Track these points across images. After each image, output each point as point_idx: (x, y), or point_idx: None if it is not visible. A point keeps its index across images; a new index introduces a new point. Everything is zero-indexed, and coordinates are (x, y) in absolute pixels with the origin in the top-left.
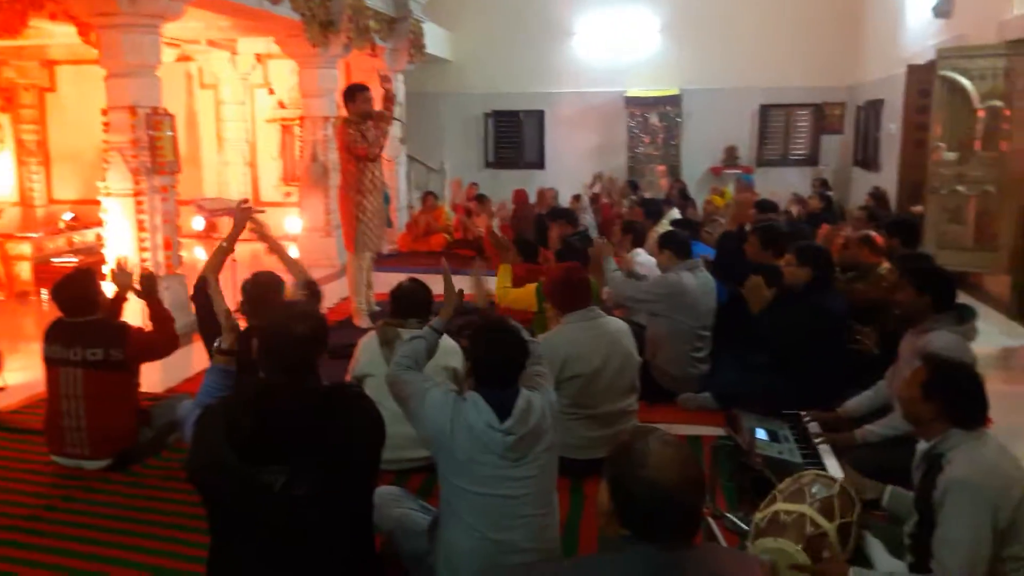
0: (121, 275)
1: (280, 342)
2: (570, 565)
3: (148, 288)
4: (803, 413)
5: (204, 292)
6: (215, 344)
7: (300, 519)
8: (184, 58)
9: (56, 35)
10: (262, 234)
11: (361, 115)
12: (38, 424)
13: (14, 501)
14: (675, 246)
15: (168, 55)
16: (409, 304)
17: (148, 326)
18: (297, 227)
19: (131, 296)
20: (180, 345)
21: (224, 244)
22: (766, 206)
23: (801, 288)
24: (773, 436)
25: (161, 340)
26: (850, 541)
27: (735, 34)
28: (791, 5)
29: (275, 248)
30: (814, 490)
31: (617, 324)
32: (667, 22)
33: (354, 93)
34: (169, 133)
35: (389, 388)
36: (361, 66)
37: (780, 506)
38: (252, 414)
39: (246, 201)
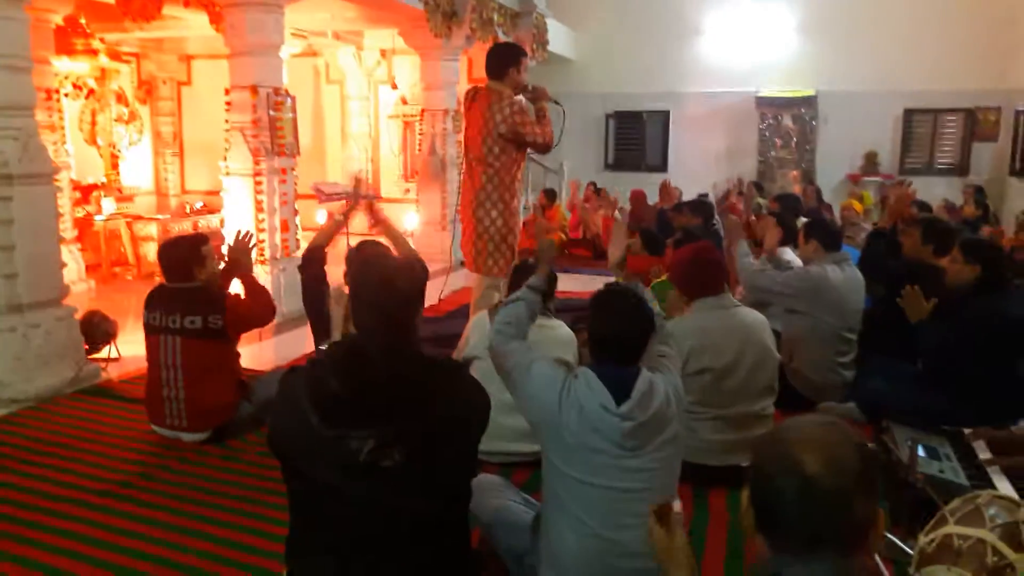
0: (237, 248)
1: (378, 295)
2: None
3: (242, 257)
4: (966, 430)
5: (312, 261)
6: (322, 347)
7: (387, 497)
8: (311, 53)
9: (192, 26)
10: (371, 209)
11: (518, 89)
12: (143, 394)
13: (112, 467)
14: (823, 236)
15: (295, 46)
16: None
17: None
18: (414, 223)
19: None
20: (275, 314)
21: (339, 216)
22: (922, 208)
23: (967, 290)
24: (932, 453)
25: (259, 308)
26: None
27: (877, 33)
28: (939, 3)
29: (382, 223)
30: (992, 512)
31: (754, 316)
32: (803, 20)
33: (518, 56)
34: (290, 115)
35: (492, 359)
36: (483, 60)
37: (952, 529)
38: (340, 371)
39: (360, 175)
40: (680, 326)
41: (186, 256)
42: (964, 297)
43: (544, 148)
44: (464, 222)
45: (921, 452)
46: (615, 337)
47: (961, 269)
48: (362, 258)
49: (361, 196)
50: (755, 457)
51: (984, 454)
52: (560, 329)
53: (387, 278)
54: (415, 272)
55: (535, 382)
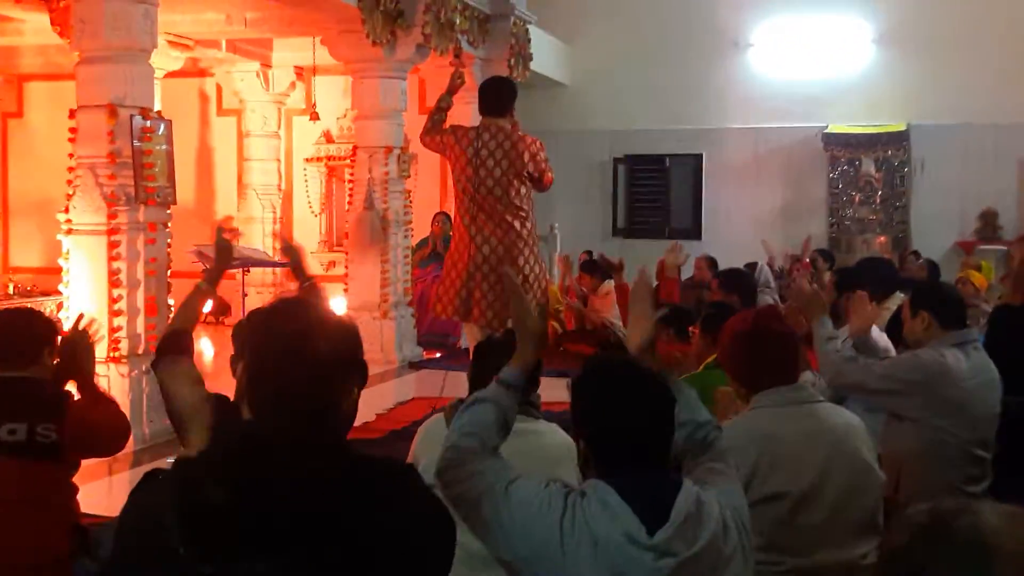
0: (75, 340)
1: (287, 361)
2: None
3: (79, 350)
4: None
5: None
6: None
7: None
8: (197, 72)
9: (25, 31)
10: (297, 265)
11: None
12: None
13: None
14: (940, 307)
15: (174, 60)
16: (500, 367)
17: None
18: (341, 308)
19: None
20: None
21: (202, 284)
22: None
23: None
24: None
25: (110, 423)
26: None
27: (988, 48)
28: None
29: (309, 291)
30: None
31: (844, 417)
32: (886, 30)
33: (516, 91)
34: (164, 147)
35: (444, 489)
36: (441, 82)
37: None
38: (225, 474)
39: (229, 221)
40: (736, 431)
41: (35, 330)
42: None
43: (546, 189)
44: (478, 275)
45: None
46: (634, 428)
47: None
48: (265, 316)
49: (226, 251)
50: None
51: None
52: (551, 435)
53: (302, 336)
54: (343, 331)
55: (518, 510)
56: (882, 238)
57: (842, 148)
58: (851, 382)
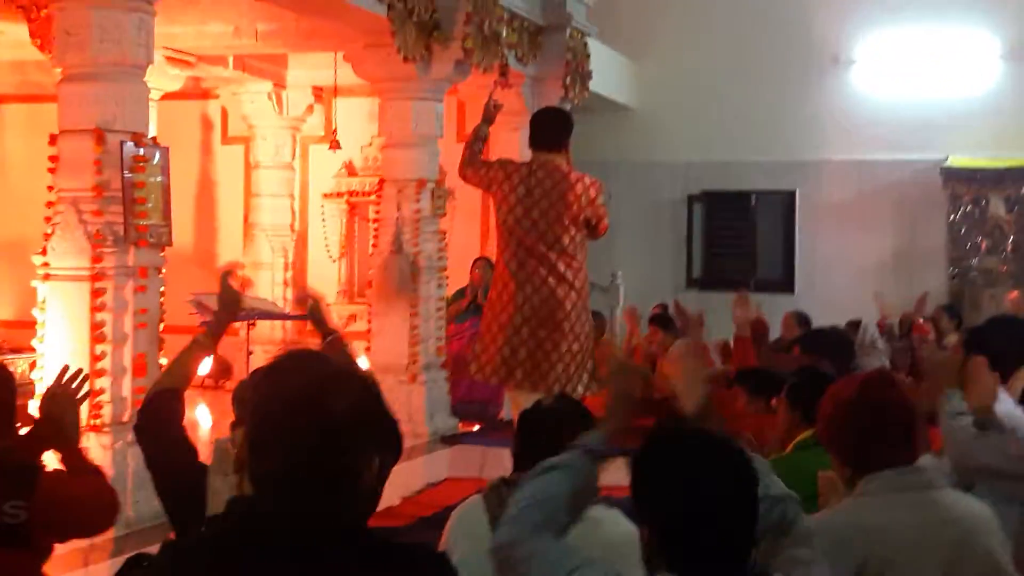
0: (57, 395)
1: (294, 422)
2: None
3: (65, 411)
4: None
5: (158, 415)
6: None
7: None
8: (200, 93)
9: (1, 44)
10: (318, 318)
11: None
12: None
13: None
14: None
15: (173, 79)
16: (551, 441)
17: None
18: (363, 366)
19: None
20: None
21: (200, 337)
22: None
23: None
24: None
25: (93, 498)
26: None
27: None
28: None
29: (333, 346)
30: None
31: (973, 507)
32: (1019, 44)
33: (572, 124)
34: (159, 178)
35: (496, 563)
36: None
37: None
38: (221, 561)
39: (236, 266)
40: (840, 522)
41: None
42: None
43: (601, 236)
44: (524, 330)
45: None
46: (709, 512)
47: None
48: (269, 371)
49: (232, 301)
50: None
51: None
52: (611, 523)
53: (312, 393)
54: (362, 387)
55: None
56: (1014, 293)
57: (965, 185)
58: (981, 464)
